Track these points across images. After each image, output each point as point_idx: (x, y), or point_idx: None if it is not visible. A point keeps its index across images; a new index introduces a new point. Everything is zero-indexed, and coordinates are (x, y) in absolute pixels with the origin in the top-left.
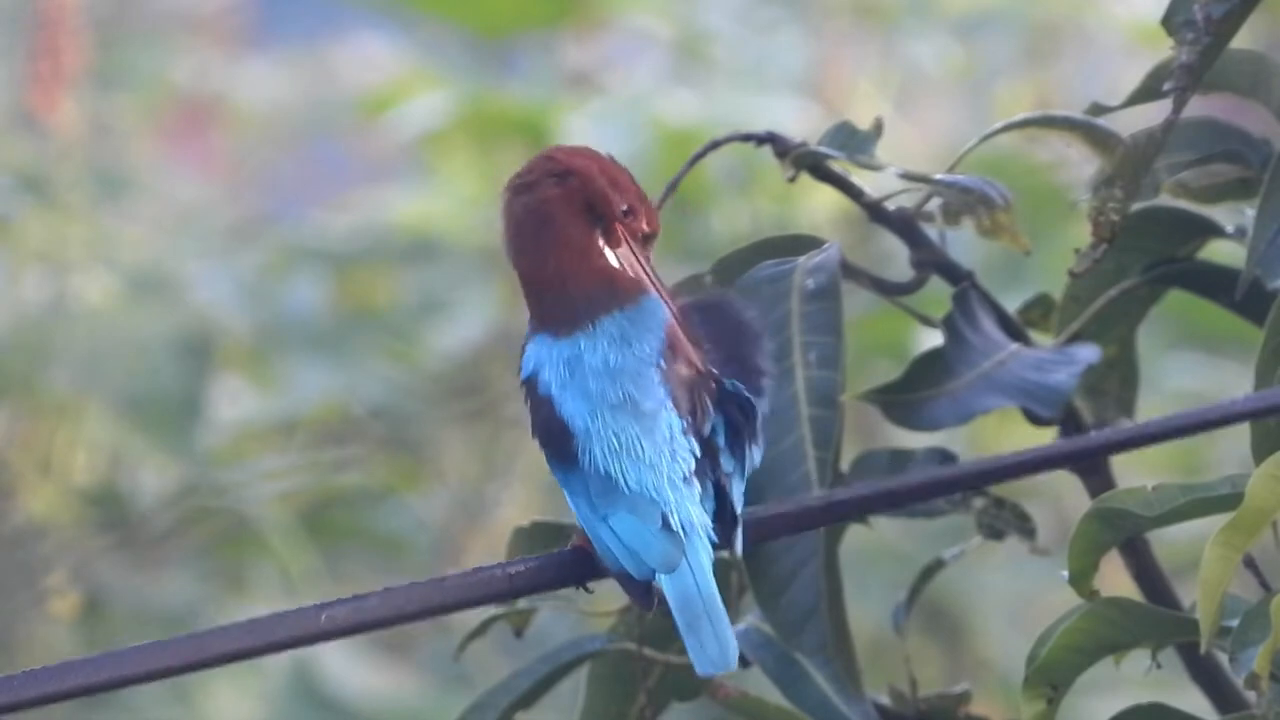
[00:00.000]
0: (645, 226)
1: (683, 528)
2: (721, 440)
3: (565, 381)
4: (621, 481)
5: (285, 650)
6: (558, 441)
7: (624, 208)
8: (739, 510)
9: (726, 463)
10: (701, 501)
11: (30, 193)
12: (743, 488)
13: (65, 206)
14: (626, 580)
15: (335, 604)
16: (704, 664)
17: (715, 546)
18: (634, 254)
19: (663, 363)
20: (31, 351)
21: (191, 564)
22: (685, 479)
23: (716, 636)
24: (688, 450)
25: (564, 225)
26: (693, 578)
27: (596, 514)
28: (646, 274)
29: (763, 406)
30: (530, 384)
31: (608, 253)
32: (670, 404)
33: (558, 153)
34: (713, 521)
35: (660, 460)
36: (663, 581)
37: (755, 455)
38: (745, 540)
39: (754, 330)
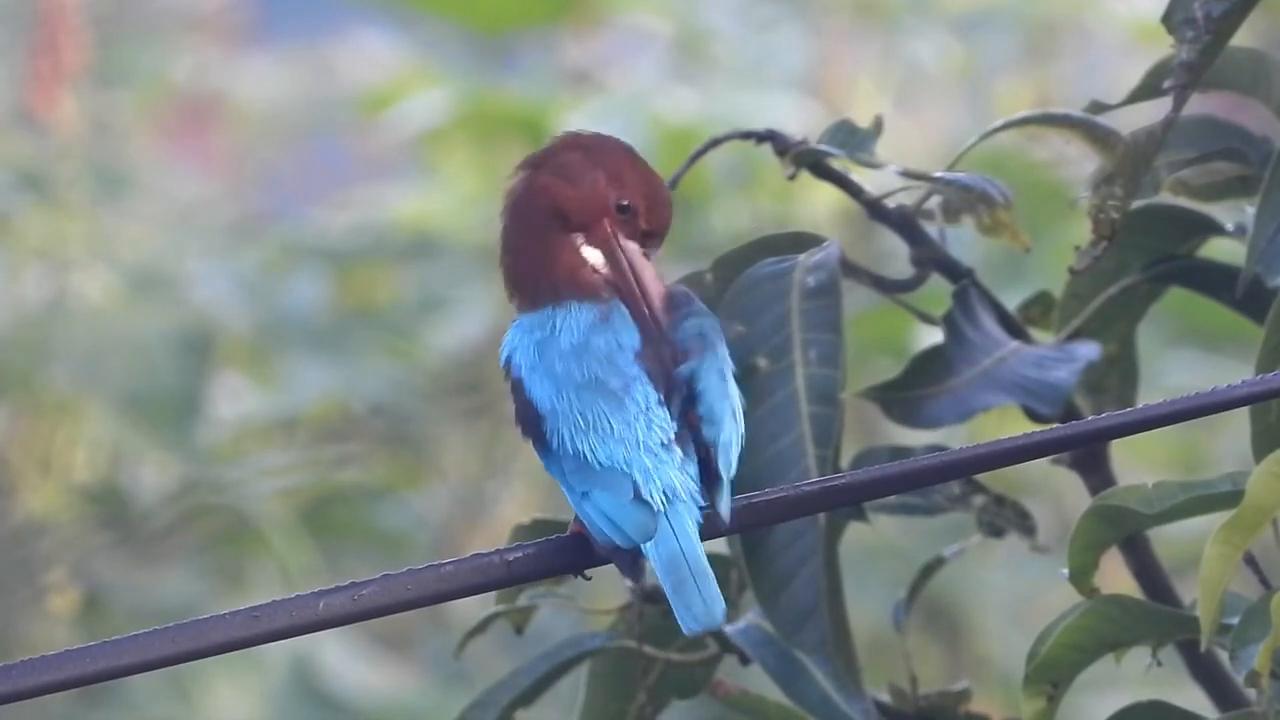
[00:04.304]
0: (644, 224)
1: (663, 494)
2: (700, 410)
3: (534, 364)
4: (591, 459)
5: (284, 639)
6: (532, 425)
7: (622, 203)
8: (723, 473)
9: (708, 430)
10: (683, 467)
11: (30, 190)
12: (729, 453)
13: (65, 204)
14: (615, 553)
15: (333, 591)
16: (690, 622)
17: (702, 509)
18: (615, 252)
19: (635, 346)
20: (31, 349)
21: (191, 561)
22: (664, 445)
23: (702, 594)
24: (665, 420)
25: (537, 214)
26: (676, 540)
27: (575, 493)
28: (623, 272)
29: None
30: (506, 370)
31: (585, 250)
32: (645, 378)
33: (570, 139)
34: (698, 485)
35: (631, 432)
36: (647, 550)
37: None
38: (731, 502)
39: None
